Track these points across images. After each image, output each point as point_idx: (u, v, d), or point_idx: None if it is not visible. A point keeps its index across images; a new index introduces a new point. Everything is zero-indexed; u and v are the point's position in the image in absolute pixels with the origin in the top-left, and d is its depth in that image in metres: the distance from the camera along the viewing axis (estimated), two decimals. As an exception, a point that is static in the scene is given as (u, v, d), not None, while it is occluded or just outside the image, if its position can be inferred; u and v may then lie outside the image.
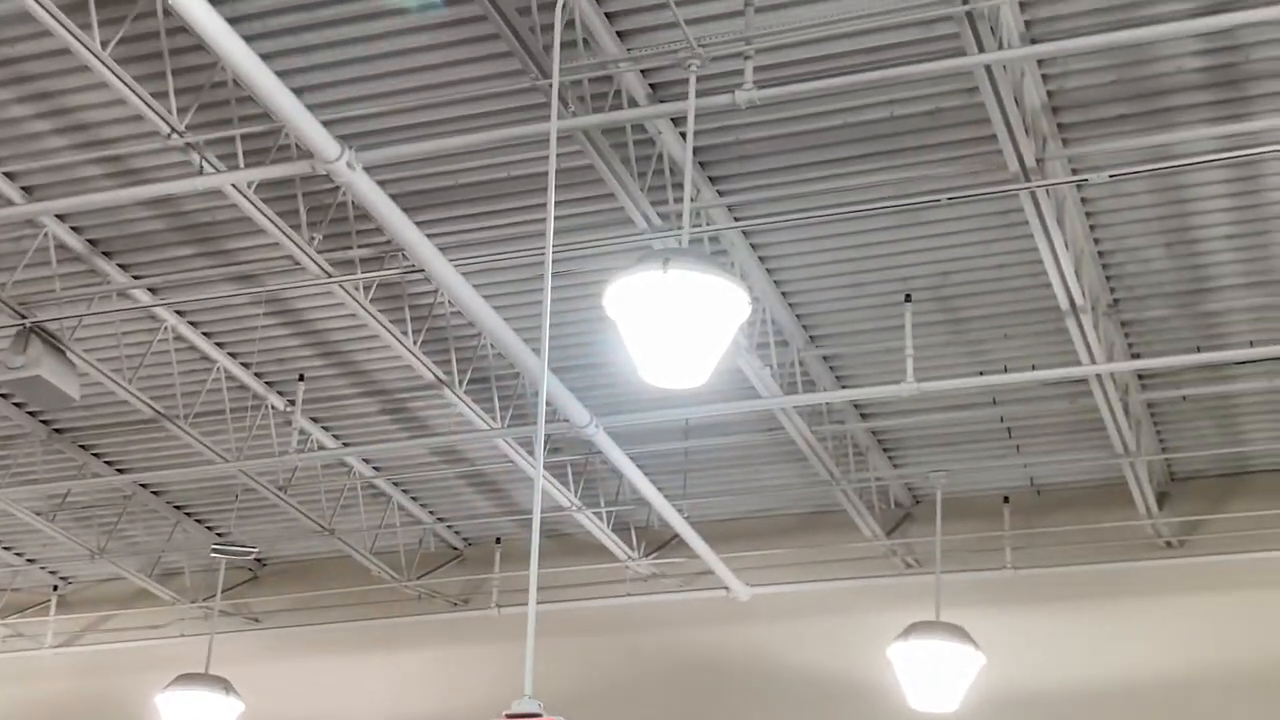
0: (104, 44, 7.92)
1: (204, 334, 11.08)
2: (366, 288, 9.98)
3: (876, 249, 9.83)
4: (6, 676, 15.08)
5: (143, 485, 13.37)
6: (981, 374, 10.85)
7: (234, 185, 8.85)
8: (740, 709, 12.96)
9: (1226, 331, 10.49)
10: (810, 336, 10.83)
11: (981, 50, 7.49)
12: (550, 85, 7.28)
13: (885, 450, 12.44)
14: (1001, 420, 11.85)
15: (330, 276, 9.65)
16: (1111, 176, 8.56)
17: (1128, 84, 8.32)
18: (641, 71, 8.29)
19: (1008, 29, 7.74)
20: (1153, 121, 8.50)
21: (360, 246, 9.72)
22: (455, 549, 14.45)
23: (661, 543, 13.54)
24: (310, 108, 7.62)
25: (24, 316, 10.17)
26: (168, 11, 7.91)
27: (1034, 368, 10.72)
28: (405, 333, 10.40)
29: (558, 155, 7.64)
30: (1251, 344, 10.40)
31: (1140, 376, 11.21)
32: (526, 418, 11.33)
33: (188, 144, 8.58)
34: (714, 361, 6.39)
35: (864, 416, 11.92)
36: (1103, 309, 10.11)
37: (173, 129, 8.48)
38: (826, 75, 7.99)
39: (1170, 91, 8.34)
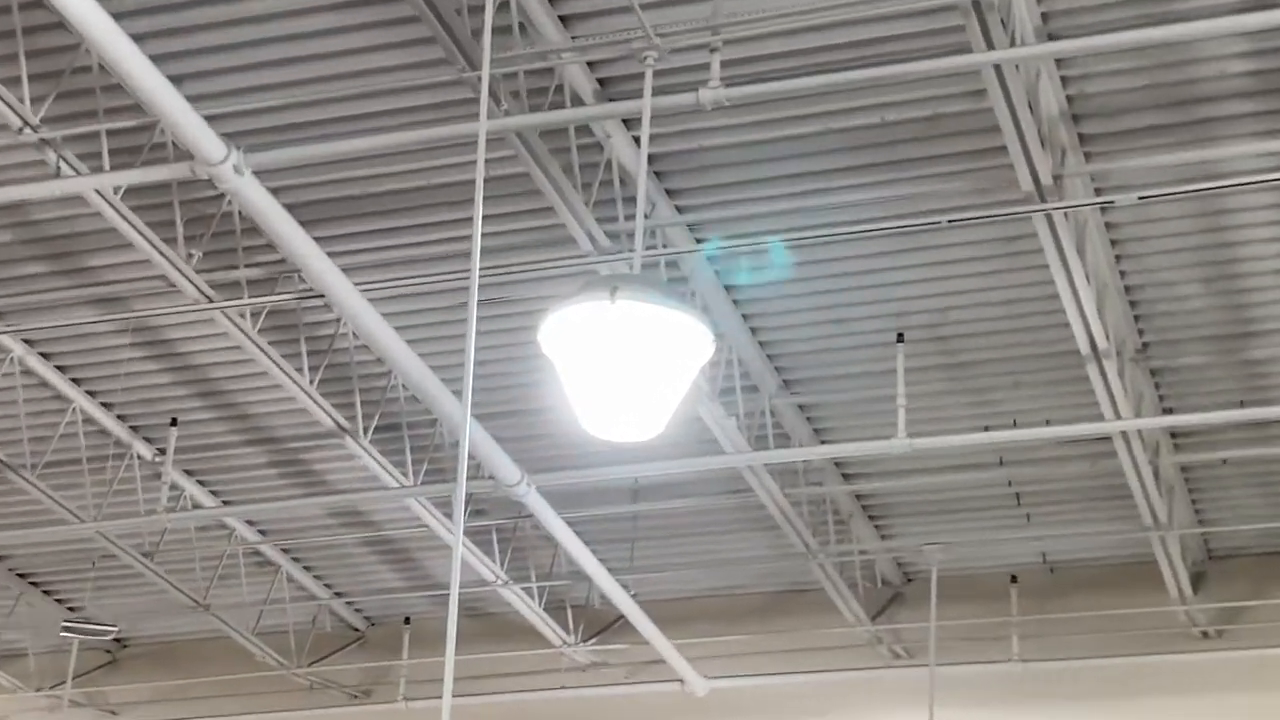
0: (-57, 19, 7.92)
1: (58, 368, 11.02)
2: (254, 315, 9.95)
3: (864, 279, 9.88)
4: None
5: (-20, 549, 13.27)
6: (987, 429, 10.90)
7: (97, 191, 8.81)
8: (695, 826, 12.95)
9: (1275, 384, 10.58)
10: (784, 381, 10.85)
11: (990, 47, 7.55)
12: (479, 78, 7.29)
13: (871, 518, 12.46)
14: (1009, 484, 11.90)
15: (211, 301, 9.62)
16: (1141, 198, 8.63)
17: (1161, 89, 8.40)
18: (588, 64, 8.32)
19: (1021, 23, 7.81)
20: (1190, 134, 8.58)
21: (248, 266, 9.70)
22: (356, 630, 14.37)
23: (604, 625, 13.51)
24: (191, 100, 7.60)
25: None
26: (22, -18, 7.91)
27: (1048, 422, 10.78)
28: (300, 370, 10.37)
29: (488, 161, 7.65)
30: (1304, 398, 10.50)
31: (1173, 435, 11.29)
32: (444, 474, 11.30)
33: (42, 140, 8.54)
34: (670, 410, 6.40)
35: (847, 478, 11.95)
36: (1130, 354, 10.18)
37: (25, 122, 8.43)
38: (807, 73, 8.03)
39: (1211, 99, 8.42)
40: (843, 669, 13.00)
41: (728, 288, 9.96)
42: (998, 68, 7.72)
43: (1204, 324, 10.10)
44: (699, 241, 9.37)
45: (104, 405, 11.34)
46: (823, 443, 11.30)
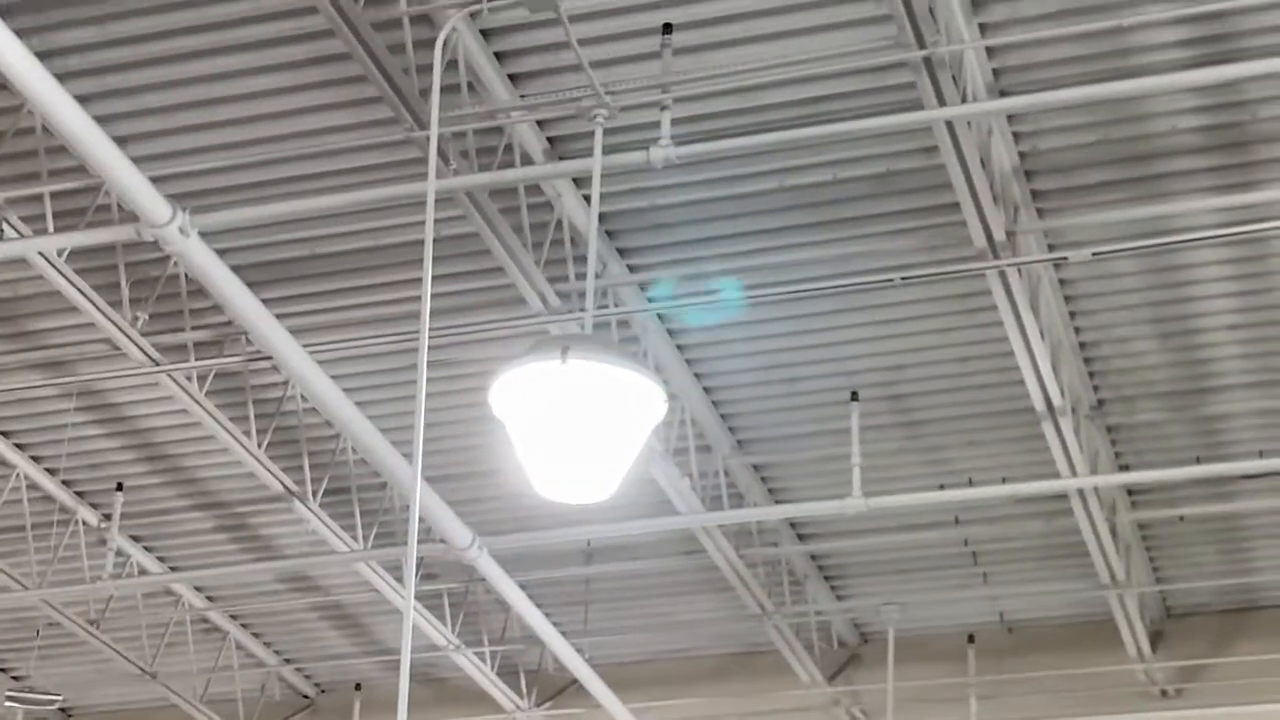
0: (-116, 80, 7.84)
1: (1, 433, 10.93)
2: (201, 378, 9.89)
3: (817, 337, 9.87)
4: None
5: (-79, 618, 13.12)
6: (942, 488, 10.89)
7: (41, 253, 8.75)
8: None
9: (1231, 439, 10.60)
10: (738, 441, 10.83)
11: (942, 103, 7.57)
12: (428, 138, 7.26)
13: (827, 578, 12.43)
14: (966, 544, 11.88)
15: (157, 364, 9.56)
16: (1095, 254, 8.65)
17: (1113, 145, 8.44)
18: (538, 123, 8.31)
19: (973, 79, 7.84)
20: (1143, 190, 8.62)
21: (194, 328, 9.65)
22: (306, 697, 14.26)
23: (558, 690, 13.42)
24: (136, 161, 7.54)
25: None
26: (-37, 42, 7.84)
27: (1004, 480, 10.77)
28: (248, 433, 10.30)
29: (437, 221, 7.61)
30: (1261, 454, 10.52)
31: (1130, 492, 11.29)
32: (395, 537, 11.23)
33: (-15, 202, 8.49)
34: (622, 471, 6.35)
35: (802, 538, 11.92)
36: (1085, 411, 10.19)
37: (-34, 184, 8.39)
38: (758, 130, 8.04)
39: (1163, 155, 8.46)
40: (800, 732, 12.94)
41: (680, 347, 9.94)
42: (949, 124, 7.74)
43: (1159, 380, 10.12)
44: (650, 300, 9.35)
45: (48, 470, 11.25)
46: (777, 503, 11.28)
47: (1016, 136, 8.40)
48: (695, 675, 13.31)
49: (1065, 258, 8.67)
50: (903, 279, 8.86)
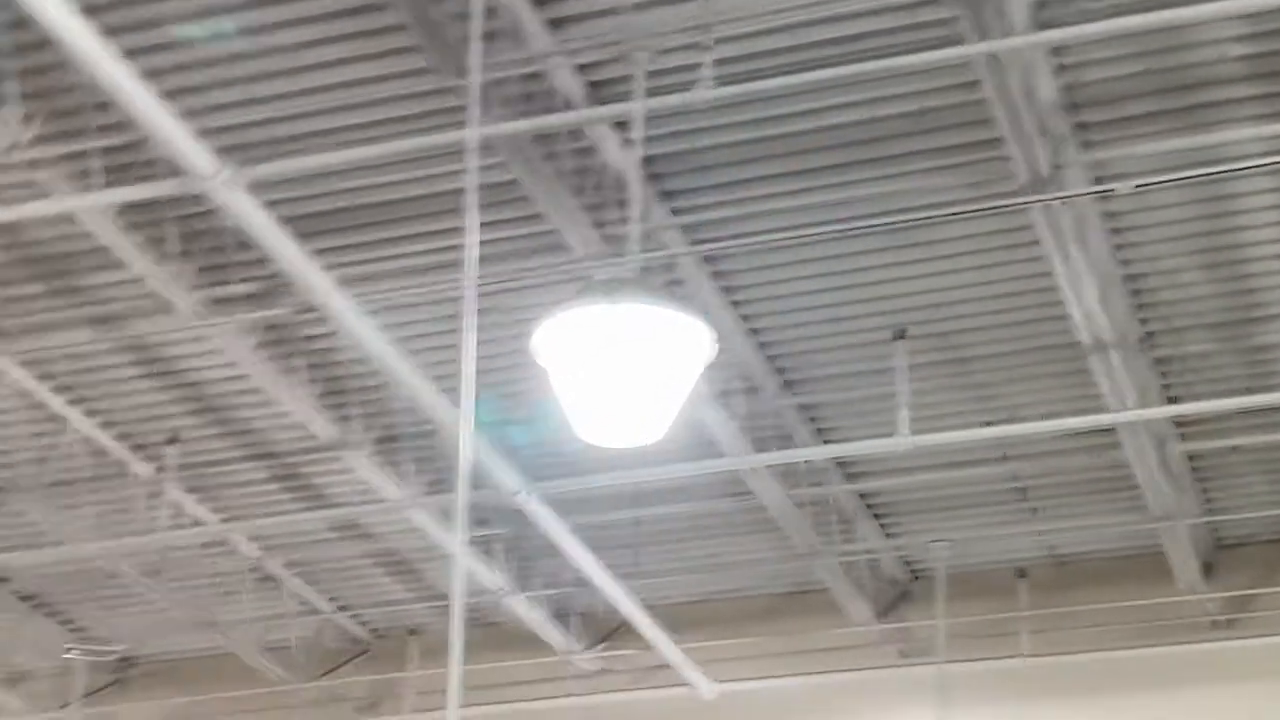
0: (-73, 39, 7.89)
1: (54, 389, 10.98)
2: (250, 330, 9.91)
3: (861, 276, 9.84)
4: None
5: (-19, 572, 13.24)
6: (989, 424, 10.86)
7: (89, 210, 8.77)
8: (707, 830, 12.92)
9: (1280, 369, 10.55)
10: (785, 382, 10.81)
11: (983, 37, 7.51)
12: (468, 85, 7.25)
13: (876, 517, 12.42)
14: (1014, 479, 11.86)
15: (206, 318, 9.58)
16: (1140, 186, 8.59)
17: (1158, 75, 8.36)
18: (578, 67, 8.27)
19: (1015, 11, 7.76)
20: (1189, 120, 8.54)
21: (242, 281, 9.66)
22: (361, 643, 14.34)
23: (609, 631, 13.47)
24: (181, 115, 7.57)
25: None
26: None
27: (1051, 415, 10.74)
28: (298, 384, 10.33)
29: (479, 169, 7.60)
30: (1311, 383, 10.46)
31: (1179, 424, 11.24)
32: (445, 484, 11.26)
33: (32, 160, 8.50)
34: (670, 415, 6.35)
35: (850, 477, 11.91)
36: (1133, 344, 10.14)
37: (13, 142, 8.39)
38: (799, 69, 7.99)
39: (1209, 84, 8.38)
40: (851, 669, 12.96)
41: (725, 290, 9.92)
42: (991, 58, 7.68)
43: (1208, 311, 10.05)
44: (695, 243, 9.33)
45: (103, 425, 11.31)
46: (825, 443, 11.26)
47: (1059, 69, 8.33)
48: (746, 615, 13.34)
49: (1111, 190, 8.60)
50: (946, 216, 8.83)
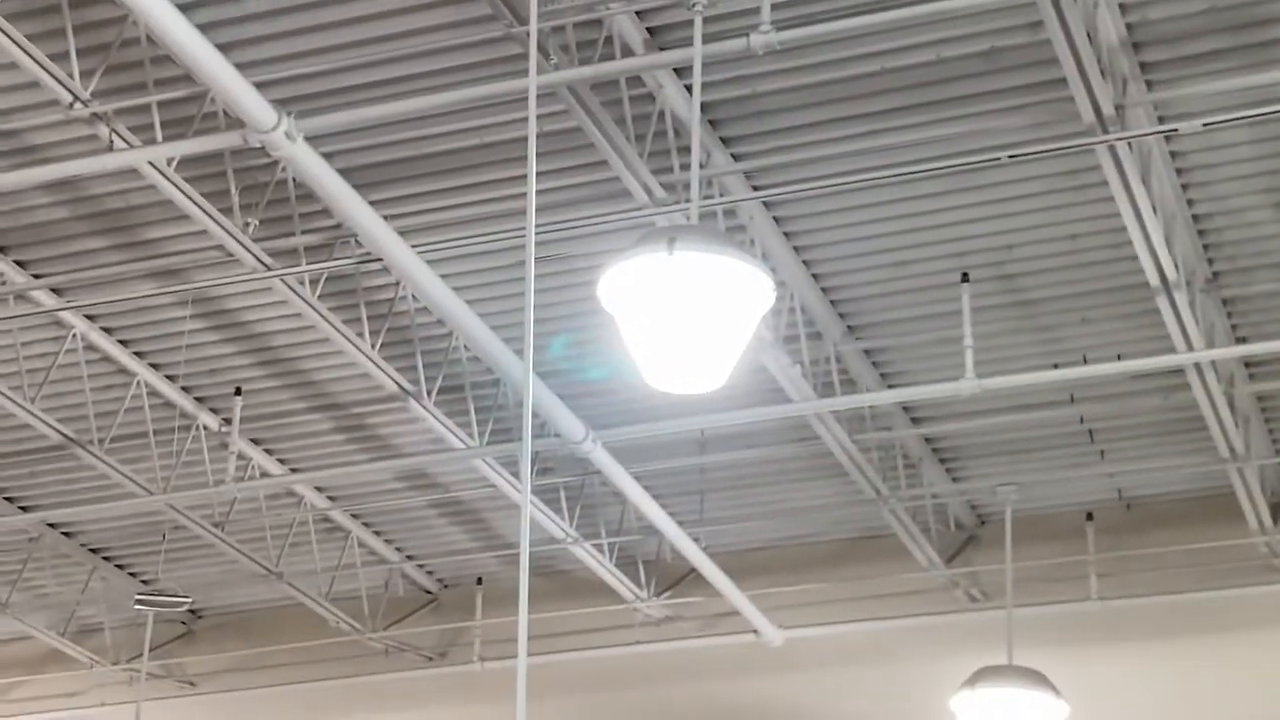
0: (-10, -3, 7.95)
1: (120, 342, 11.09)
2: (313, 282, 9.98)
3: (925, 219, 9.82)
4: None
5: (51, 525, 13.37)
6: (1056, 366, 10.84)
7: (151, 163, 8.84)
8: (776, 776, 12.98)
9: (1350, 307, 10.47)
10: (849, 327, 10.81)
11: (1046, -23, 7.46)
12: (528, 33, 7.26)
13: (942, 461, 12.43)
14: (1082, 421, 11.83)
15: (270, 269, 9.65)
16: (1206, 125, 8.54)
17: (1223, 13, 8.29)
18: (637, 14, 8.27)
19: (1077, -50, 7.72)
20: (1254, 57, 8.47)
21: (305, 233, 9.72)
22: (429, 593, 14.45)
23: (676, 579, 13.53)
24: (240, 67, 7.61)
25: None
26: (65, -44, 7.92)
27: (1119, 357, 10.71)
28: (361, 335, 10.40)
29: (539, 117, 7.64)
30: (1380, 321, 10.39)
31: (1247, 364, 11.19)
32: (510, 433, 11.32)
33: (94, 115, 8.57)
34: (733, 361, 6.38)
35: (915, 421, 11.91)
36: (1200, 284, 10.09)
37: (75, 97, 8.47)
38: (859, 12, 7.97)
39: (1275, 21, 8.31)
40: (919, 614, 12.99)
41: (787, 235, 9.92)
42: (1054, -3, 7.64)
43: (1275, 250, 9.99)
44: (756, 189, 9.33)
45: (168, 377, 11.41)
46: (889, 387, 11.27)
47: (1123, 8, 8.28)
48: (812, 561, 13.37)
49: (1176, 130, 8.55)
50: (1010, 157, 8.79)
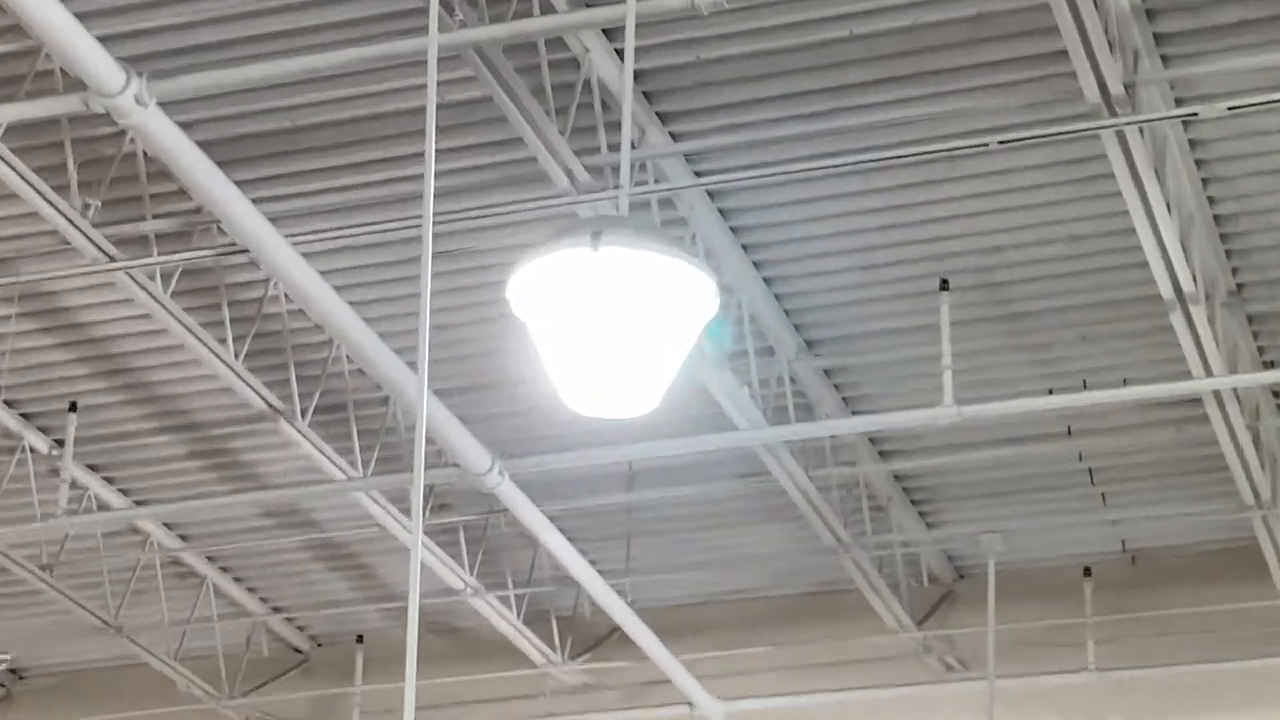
0: None
1: (-70, 346, 11.03)
2: (166, 276, 9.94)
3: (899, 215, 9.87)
4: None
5: None
6: (1051, 392, 10.90)
7: (-28, 130, 8.81)
8: None
9: (1396, 329, 10.59)
10: (806, 341, 10.85)
11: (1045, -70, 7.53)
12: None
13: (915, 503, 12.48)
14: (1080, 459, 11.91)
15: (113, 261, 9.61)
16: (1231, 109, 8.61)
17: (1253, -23, 8.39)
18: (560, -38, 8.30)
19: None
20: (1288, 30, 8.57)
21: (156, 218, 9.68)
22: (299, 652, 14.40)
23: (597, 639, 13.54)
24: (81, 18, 7.57)
25: None
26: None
27: (1125, 382, 10.78)
28: (224, 341, 10.36)
29: (440, 84, 7.61)
30: None
31: (1276, 393, 11.29)
32: (400, 462, 11.31)
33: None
34: (668, 380, 6.38)
35: (884, 455, 11.96)
36: (1221, 298, 10.18)
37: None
38: (825, -33, 8.02)
39: (1313, -13, 8.42)
40: (885, 684, 13.04)
41: (735, 230, 9.95)
42: (1055, -45, 7.70)
43: (1310, 259, 10.11)
44: (698, 175, 9.35)
45: (-12, 389, 11.35)
46: (854, 414, 11.31)
47: (1136, -32, 8.37)
48: (759, 619, 13.40)
49: (1195, 114, 8.62)
50: (1001, 143, 8.84)
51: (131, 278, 9.79)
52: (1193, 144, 9.34)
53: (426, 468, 5.86)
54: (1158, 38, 8.65)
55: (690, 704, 13.10)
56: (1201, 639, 12.58)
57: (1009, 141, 8.86)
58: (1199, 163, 9.46)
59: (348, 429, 11.19)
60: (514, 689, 13.64)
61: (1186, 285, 9.57)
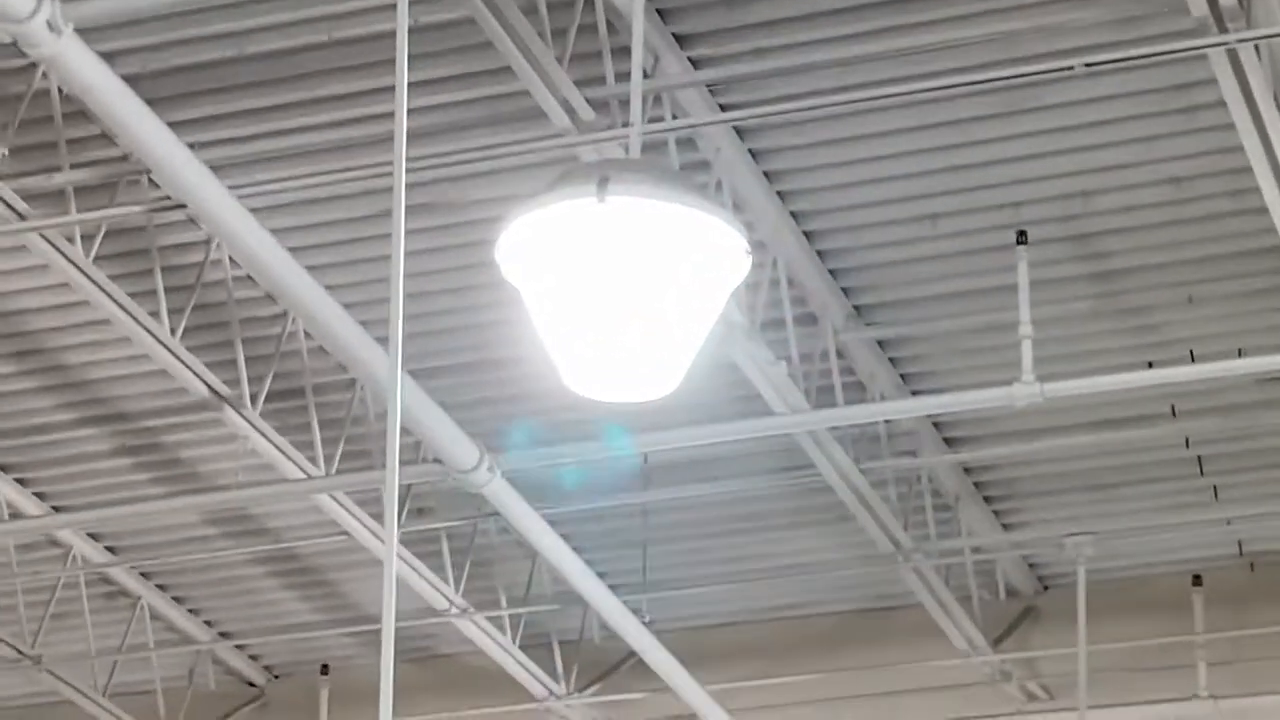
0: None
1: None
2: (87, 238, 9.96)
3: (963, 155, 9.88)
4: None
5: None
6: (1151, 366, 10.91)
7: None
8: None
9: None
10: (855, 308, 10.86)
11: None
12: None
13: (988, 501, 12.50)
14: (1188, 445, 11.92)
15: (24, 219, 9.62)
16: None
17: None
18: None
19: None
20: None
21: (75, 168, 9.70)
22: (253, 685, 14.45)
23: (608, 667, 13.58)
24: (-18, -72, 7.59)
25: None
26: None
27: (1240, 353, 10.78)
28: (157, 315, 10.38)
29: (414, 2, 7.60)
30: None
31: None
32: (370, 458, 11.33)
33: None
34: (690, 356, 6.39)
35: (950, 443, 11.98)
36: (1355, 250, 10.20)
37: None
38: None
39: None
40: (954, 717, 13.05)
41: (769, 175, 9.95)
42: None
43: None
44: (724, 109, 9.35)
45: (-125, 375, 11.40)
46: (914, 394, 11.32)
47: None
48: (802, 642, 13.44)
49: (1324, 28, 8.63)
50: (1087, 65, 8.83)
51: (45, 239, 9.80)
52: (1320, 65, 9.35)
53: (402, 464, 5.85)
54: (1278, -66, 8.66)
55: (720, 743, 13.15)
56: (1334, 660, 12.64)
57: (1097, 64, 8.85)
58: (1327, 87, 9.47)
59: (307, 419, 11.21)
60: (510, 727, 13.71)
61: (1312, 235, 9.59)
